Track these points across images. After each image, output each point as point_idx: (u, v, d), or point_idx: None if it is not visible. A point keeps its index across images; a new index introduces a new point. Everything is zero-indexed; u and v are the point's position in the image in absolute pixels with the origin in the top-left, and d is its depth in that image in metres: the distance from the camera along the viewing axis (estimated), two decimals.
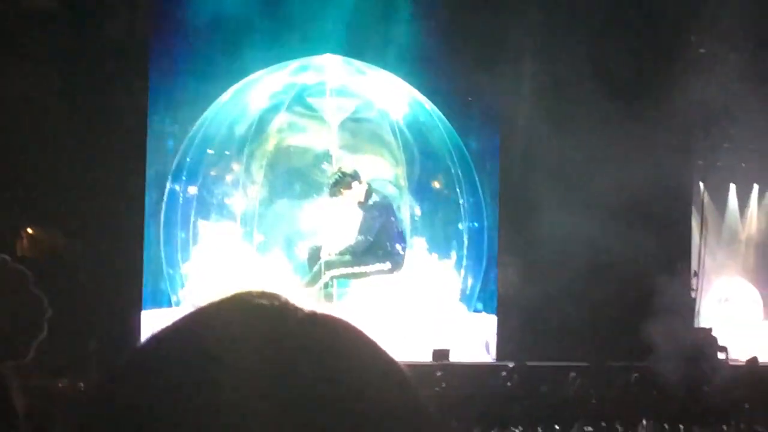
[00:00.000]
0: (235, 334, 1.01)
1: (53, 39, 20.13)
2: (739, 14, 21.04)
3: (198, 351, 1.00)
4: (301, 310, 1.07)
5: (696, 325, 23.88)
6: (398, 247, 22.94)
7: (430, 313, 22.23)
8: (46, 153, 19.77)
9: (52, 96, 20.00)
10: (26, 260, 19.41)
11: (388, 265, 22.83)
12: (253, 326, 1.02)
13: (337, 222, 22.84)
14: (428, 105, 23.10)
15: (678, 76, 20.33)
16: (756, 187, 27.57)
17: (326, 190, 22.59)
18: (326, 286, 22.62)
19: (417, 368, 18.30)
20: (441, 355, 20.24)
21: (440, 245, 23.28)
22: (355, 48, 22.51)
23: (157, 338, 1.06)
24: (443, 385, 17.74)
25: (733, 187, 27.54)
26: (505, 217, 22.82)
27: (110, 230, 20.35)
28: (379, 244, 22.79)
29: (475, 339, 22.32)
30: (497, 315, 22.59)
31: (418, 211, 23.31)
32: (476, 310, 23.07)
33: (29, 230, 20.44)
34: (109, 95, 20.60)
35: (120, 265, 20.48)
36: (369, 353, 1.05)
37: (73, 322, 18.61)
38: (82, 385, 16.14)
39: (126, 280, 20.65)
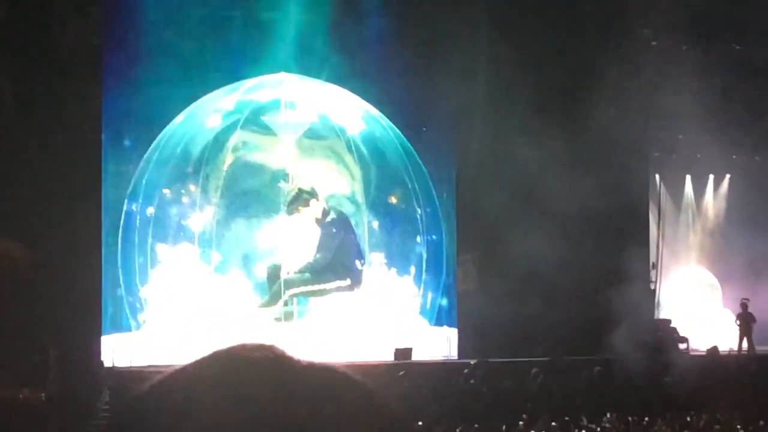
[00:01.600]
0: (232, 388, 1.02)
1: (5, 49, 20.08)
2: (690, 6, 21.38)
3: (193, 406, 1.01)
4: (297, 362, 1.08)
5: (656, 317, 23.99)
6: (357, 263, 22.98)
7: (390, 329, 22.21)
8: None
9: (3, 108, 19.95)
10: None
11: (347, 282, 22.84)
12: (249, 380, 1.04)
13: (295, 240, 22.84)
14: (383, 120, 23.22)
15: (631, 70, 20.54)
16: (711, 177, 27.84)
17: (283, 208, 22.62)
18: (286, 304, 22.60)
19: (379, 368, 18.27)
20: (403, 354, 20.19)
21: (399, 260, 23.28)
22: (309, 65, 22.65)
23: (148, 393, 1.06)
24: (406, 384, 17.67)
25: (688, 177, 27.80)
26: (463, 225, 22.87)
27: (66, 254, 20.12)
28: (338, 260, 22.83)
29: (437, 346, 22.34)
30: (458, 311, 22.63)
31: (376, 226, 23.31)
32: (437, 323, 23.07)
33: None
34: (63, 117, 20.53)
35: (78, 289, 20.28)
36: (365, 402, 1.07)
37: (33, 347, 18.47)
38: (43, 395, 15.98)
39: (84, 305, 20.41)
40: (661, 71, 21.19)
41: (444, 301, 23.33)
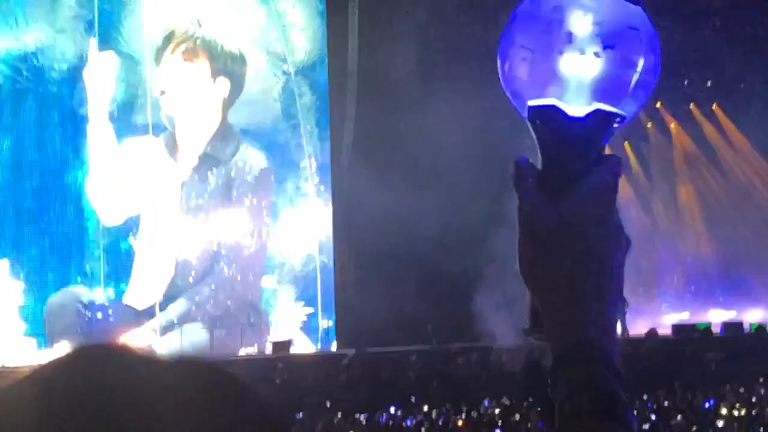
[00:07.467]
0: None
1: None
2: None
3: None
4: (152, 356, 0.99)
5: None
6: None
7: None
8: None
9: None
10: None
11: None
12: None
13: None
14: None
15: None
16: None
17: None
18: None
19: (256, 361, 18.08)
20: (281, 346, 20.03)
21: None
22: None
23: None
24: (285, 376, 17.45)
25: None
26: (340, 218, 22.79)
27: None
28: None
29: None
30: (335, 302, 22.58)
31: None
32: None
33: None
34: None
35: None
36: (237, 395, 0.98)
37: None
38: None
39: None
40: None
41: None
